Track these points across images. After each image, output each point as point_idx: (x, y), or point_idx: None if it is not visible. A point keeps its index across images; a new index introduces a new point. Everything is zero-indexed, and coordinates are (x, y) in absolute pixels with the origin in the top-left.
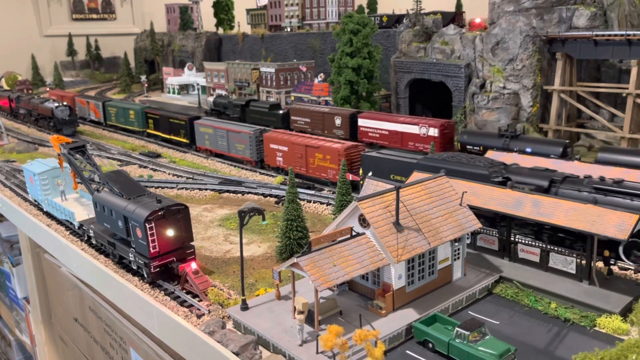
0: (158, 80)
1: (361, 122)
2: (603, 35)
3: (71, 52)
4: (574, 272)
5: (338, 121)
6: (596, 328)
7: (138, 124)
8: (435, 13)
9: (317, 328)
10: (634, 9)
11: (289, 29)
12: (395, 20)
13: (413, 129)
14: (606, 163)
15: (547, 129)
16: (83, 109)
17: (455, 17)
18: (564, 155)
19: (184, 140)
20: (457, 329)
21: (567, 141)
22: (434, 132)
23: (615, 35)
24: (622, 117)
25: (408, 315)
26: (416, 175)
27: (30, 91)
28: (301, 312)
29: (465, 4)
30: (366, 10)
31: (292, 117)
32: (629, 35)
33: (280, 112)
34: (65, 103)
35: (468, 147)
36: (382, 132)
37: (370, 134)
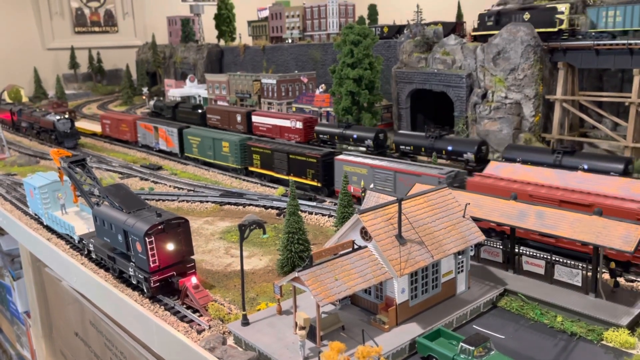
0: (160, 92)
1: (254, 118)
2: (605, 45)
3: (73, 64)
4: (579, 284)
5: (239, 118)
6: (603, 342)
7: (235, 159)
8: (435, 23)
9: (319, 344)
10: None
11: (290, 41)
12: (396, 30)
13: (286, 123)
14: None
15: (549, 139)
16: (148, 136)
17: (455, 27)
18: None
19: (313, 183)
20: (461, 344)
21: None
22: (300, 125)
23: (617, 44)
24: (625, 126)
25: (411, 330)
26: (418, 187)
27: (72, 114)
28: (303, 328)
29: (465, 14)
30: (367, 21)
31: (208, 115)
32: (630, 44)
33: (200, 111)
34: (66, 116)
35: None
36: (268, 126)
37: (260, 128)
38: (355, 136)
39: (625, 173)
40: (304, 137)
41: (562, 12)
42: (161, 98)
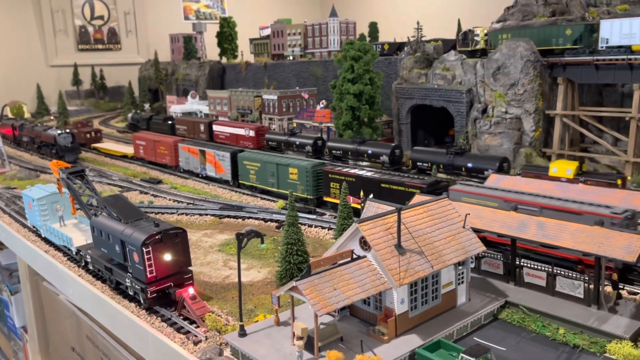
0: (162, 109)
1: (214, 127)
2: (604, 60)
3: (76, 81)
4: (581, 296)
5: (202, 127)
6: (606, 354)
7: (306, 188)
8: (436, 40)
9: (317, 355)
10: None
11: (291, 58)
12: (397, 48)
13: (241, 131)
14: None
15: (550, 154)
16: (192, 160)
17: (456, 44)
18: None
19: None
20: (462, 355)
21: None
22: (252, 133)
23: (617, 59)
24: (625, 141)
25: (411, 342)
26: (418, 198)
27: (98, 134)
28: (300, 338)
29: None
30: (368, 39)
31: (177, 126)
32: (630, 59)
33: (170, 122)
34: (67, 130)
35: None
36: (226, 134)
37: (220, 136)
38: (297, 142)
39: (500, 171)
40: (257, 144)
41: (477, 35)
42: (138, 111)
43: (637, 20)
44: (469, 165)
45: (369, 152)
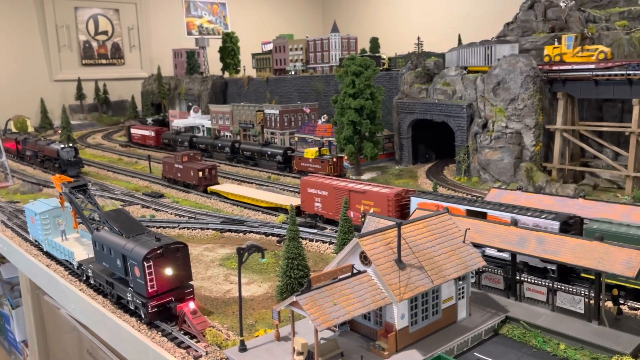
0: (164, 123)
1: (132, 130)
2: (603, 75)
3: (80, 96)
4: (582, 311)
5: (124, 131)
6: None
7: None
8: (437, 55)
9: None
10: (634, 50)
11: (293, 73)
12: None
13: (146, 132)
14: None
15: (550, 168)
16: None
17: None
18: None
19: None
20: None
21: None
22: (153, 133)
23: (616, 75)
24: (626, 155)
25: (411, 357)
26: (418, 213)
27: (213, 172)
28: (300, 353)
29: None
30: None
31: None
32: (629, 74)
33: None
34: (71, 144)
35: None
36: (139, 135)
37: (136, 138)
38: (180, 139)
39: (284, 156)
40: (156, 141)
41: (383, 59)
42: (122, 121)
43: None
44: (269, 152)
45: (219, 145)
